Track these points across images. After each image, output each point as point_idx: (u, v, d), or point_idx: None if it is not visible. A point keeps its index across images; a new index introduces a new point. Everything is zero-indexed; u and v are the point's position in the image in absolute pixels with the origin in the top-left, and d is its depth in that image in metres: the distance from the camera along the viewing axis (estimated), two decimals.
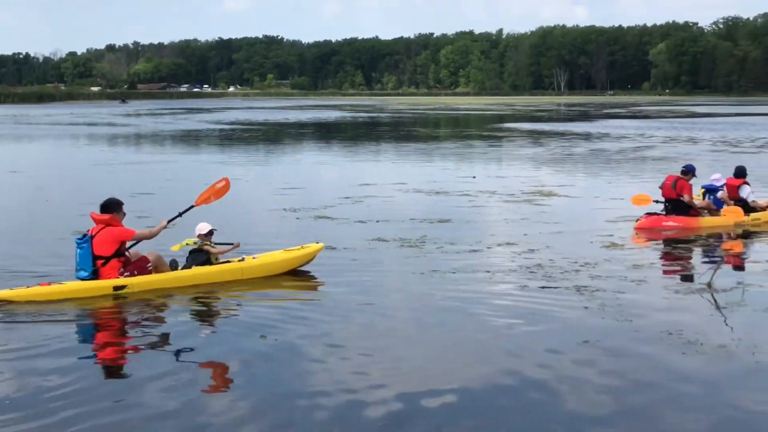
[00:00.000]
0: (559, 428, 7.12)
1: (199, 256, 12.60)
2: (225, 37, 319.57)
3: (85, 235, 11.80)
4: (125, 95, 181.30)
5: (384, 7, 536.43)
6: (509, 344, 9.33)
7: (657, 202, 17.76)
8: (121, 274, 11.78)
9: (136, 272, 11.89)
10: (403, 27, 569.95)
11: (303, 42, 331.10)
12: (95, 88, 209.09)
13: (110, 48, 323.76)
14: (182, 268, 12.46)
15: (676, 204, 17.37)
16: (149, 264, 12.07)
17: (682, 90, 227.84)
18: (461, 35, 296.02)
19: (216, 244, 12.83)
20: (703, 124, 68.27)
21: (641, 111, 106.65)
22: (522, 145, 44.08)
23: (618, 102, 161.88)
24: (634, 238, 16.29)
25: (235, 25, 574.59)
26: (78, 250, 11.74)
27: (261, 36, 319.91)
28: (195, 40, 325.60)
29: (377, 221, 18.01)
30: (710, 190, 18.17)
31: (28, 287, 11.42)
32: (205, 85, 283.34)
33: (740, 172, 18.46)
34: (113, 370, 8.87)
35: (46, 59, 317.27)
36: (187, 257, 12.68)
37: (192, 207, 13.23)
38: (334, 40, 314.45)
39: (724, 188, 18.10)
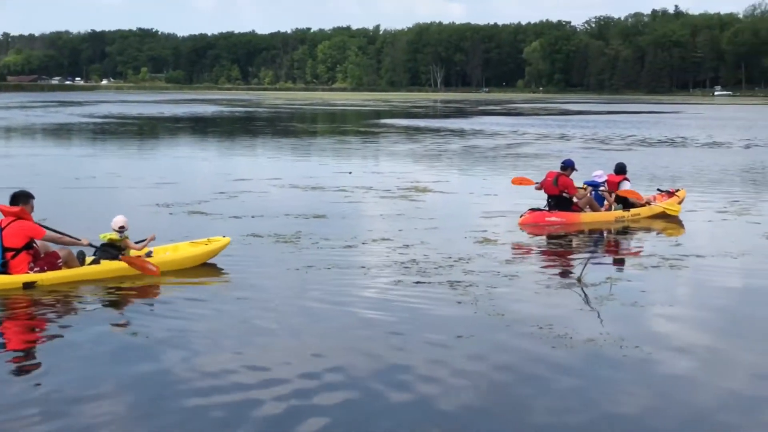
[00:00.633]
0: (437, 418, 7.14)
1: (110, 250, 12.35)
2: (98, 29, 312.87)
3: None
4: None
5: (260, 2, 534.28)
6: (385, 339, 9.33)
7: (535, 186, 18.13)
8: (31, 269, 11.57)
9: (46, 267, 11.68)
10: (280, 22, 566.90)
11: (178, 35, 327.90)
12: None
13: None
14: (91, 263, 12.24)
15: (558, 200, 17.71)
16: (59, 260, 11.89)
17: (555, 88, 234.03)
18: (338, 31, 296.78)
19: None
20: (575, 121, 70.02)
21: (515, 108, 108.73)
22: (398, 142, 44.32)
23: (493, 99, 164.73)
24: (511, 233, 16.46)
25: (109, 17, 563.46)
26: None
27: (135, 29, 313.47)
28: (67, 32, 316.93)
29: (252, 216, 17.81)
30: (592, 186, 18.56)
31: None
32: (77, 78, 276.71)
33: (620, 169, 18.95)
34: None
35: None
36: (96, 251, 12.41)
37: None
38: (210, 34, 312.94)
39: (605, 185, 18.53)
